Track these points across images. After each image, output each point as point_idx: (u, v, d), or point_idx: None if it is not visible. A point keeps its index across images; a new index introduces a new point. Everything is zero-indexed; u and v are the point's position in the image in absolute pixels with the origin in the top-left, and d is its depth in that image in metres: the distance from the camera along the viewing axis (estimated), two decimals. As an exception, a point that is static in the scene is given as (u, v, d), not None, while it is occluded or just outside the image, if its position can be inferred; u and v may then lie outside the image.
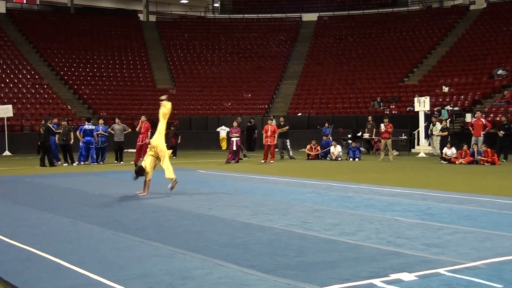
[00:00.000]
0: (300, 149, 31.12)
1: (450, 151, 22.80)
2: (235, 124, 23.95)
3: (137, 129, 23.38)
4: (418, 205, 10.61)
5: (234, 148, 23.19)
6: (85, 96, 40.44)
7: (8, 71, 40.10)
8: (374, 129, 28.47)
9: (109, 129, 23.78)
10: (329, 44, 48.71)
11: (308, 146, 25.99)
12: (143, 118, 23.88)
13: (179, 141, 27.96)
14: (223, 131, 35.06)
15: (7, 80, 39.05)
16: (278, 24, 52.05)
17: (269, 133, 23.79)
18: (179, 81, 45.02)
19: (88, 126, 23.14)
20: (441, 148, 24.12)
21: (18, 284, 5.53)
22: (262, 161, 23.71)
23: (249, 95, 43.07)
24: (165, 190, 13.21)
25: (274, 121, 24.65)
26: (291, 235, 7.80)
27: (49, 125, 21.93)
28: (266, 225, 8.58)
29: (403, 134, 29.24)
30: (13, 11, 48.04)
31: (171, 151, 14.22)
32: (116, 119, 24.05)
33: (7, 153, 30.46)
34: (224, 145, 35.20)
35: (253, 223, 8.74)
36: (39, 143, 22.39)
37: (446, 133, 25.53)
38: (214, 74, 46.43)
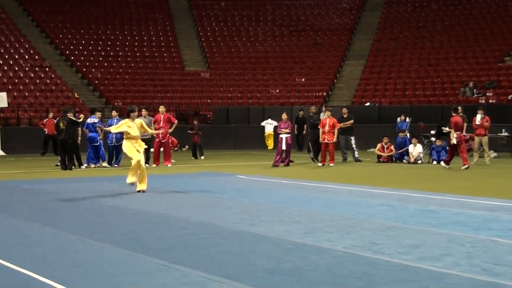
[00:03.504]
0: (369, 149, 30.89)
1: None
2: (284, 117, 23.97)
3: (152, 121, 23.61)
4: (523, 223, 10.41)
5: (284, 147, 23.20)
6: (96, 82, 41.16)
7: (2, 50, 41.09)
8: (465, 124, 28.02)
9: None
10: (406, 13, 48.26)
11: (379, 145, 25.79)
12: (161, 108, 24.12)
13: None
14: (269, 125, 35.15)
15: (1, 62, 40.05)
16: (340, -12, 51.91)
17: (326, 128, 23.69)
18: (214, 62, 45.35)
19: (90, 119, 23.48)
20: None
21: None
22: (320, 164, 23.67)
23: (303, 80, 43.06)
24: (194, 201, 13.30)
25: (327, 112, 24.48)
26: (356, 259, 7.75)
27: (72, 117, 22.39)
28: (324, 246, 8.54)
29: (503, 130, 28.71)
30: (8, -25, 49.39)
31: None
32: (143, 110, 24.30)
33: (0, 152, 31.19)
34: (270, 143, 35.27)
35: (308, 244, 8.71)
36: (59, 140, 22.66)
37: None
38: (258, 53, 46.59)
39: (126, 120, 15.33)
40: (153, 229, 10.05)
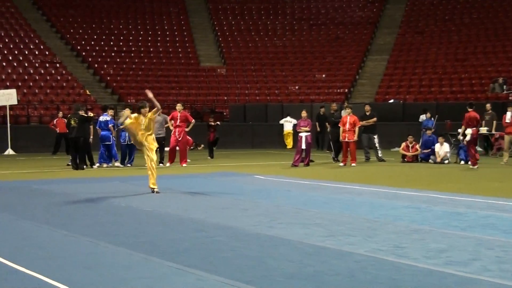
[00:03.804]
0: (393, 148, 30.79)
1: None
2: (304, 114, 23.95)
3: (168, 119, 23.62)
4: (556, 226, 10.33)
5: (304, 146, 23.19)
6: (108, 78, 41.31)
7: (11, 46, 41.31)
8: (495, 122, 27.88)
9: None
10: (433, 5, 48.04)
11: (403, 144, 25.70)
12: (179, 106, 24.22)
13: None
14: (288, 123, 35.12)
15: (10, 58, 40.25)
16: (363, -20, 51.72)
17: (347, 126, 23.65)
18: (230, 58, 45.39)
19: (103, 117, 23.56)
20: None
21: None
22: (341, 163, 23.63)
23: (324, 76, 42.99)
24: (210, 203, 13.33)
25: (348, 109, 24.45)
26: (380, 264, 7.73)
27: (83, 114, 22.45)
28: (346, 249, 8.53)
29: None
30: (18, -32, 49.65)
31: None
32: None
33: (9, 151, 31.41)
34: (289, 142, 35.24)
35: (329, 247, 8.71)
36: (70, 139, 22.74)
37: None
38: (276, 48, 46.57)
39: (136, 114, 15.36)
40: (168, 232, 10.08)
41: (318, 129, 31.33)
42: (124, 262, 7.96)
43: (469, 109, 22.58)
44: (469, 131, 22.18)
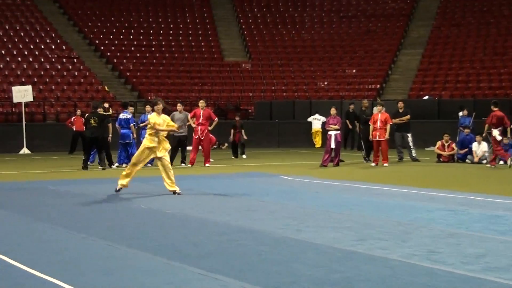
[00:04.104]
0: (427, 148, 30.66)
1: None
2: (333, 111, 23.90)
3: (189, 118, 23.64)
4: None
5: (333, 145, 23.16)
6: (127, 74, 41.54)
7: (27, 40, 41.71)
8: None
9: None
10: (470, -4, 47.67)
11: (439, 143, 25.57)
12: (201, 102, 24.24)
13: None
14: (317, 121, 35.09)
15: (26, 52, 40.62)
16: (396, -31, 51.53)
17: (378, 124, 23.57)
18: (256, 52, 45.44)
19: (123, 114, 23.63)
20: None
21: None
22: (373, 164, 23.57)
23: (354, 71, 42.92)
24: (235, 205, 13.35)
25: (379, 106, 24.40)
26: (414, 269, 7.70)
27: (103, 112, 22.56)
28: (378, 254, 8.51)
29: None
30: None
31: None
32: (179, 105, 24.40)
33: (25, 150, 31.69)
34: (318, 140, 35.22)
35: (359, 252, 8.69)
36: (88, 138, 22.72)
37: None
38: (304, 42, 46.55)
39: (153, 114, 15.45)
40: (190, 235, 10.11)
41: (350, 126, 31.26)
42: (145, 267, 7.99)
43: (494, 108, 22.50)
44: (496, 132, 22.15)
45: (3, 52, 39.72)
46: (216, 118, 24.64)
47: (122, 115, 23.60)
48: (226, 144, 32.51)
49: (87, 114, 23.45)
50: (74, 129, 30.20)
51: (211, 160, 24.60)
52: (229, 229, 10.59)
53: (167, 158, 15.37)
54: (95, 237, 9.94)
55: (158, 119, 15.24)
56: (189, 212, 12.54)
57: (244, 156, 27.41)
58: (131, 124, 23.35)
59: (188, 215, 12.13)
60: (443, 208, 12.78)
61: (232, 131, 27.43)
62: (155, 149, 15.18)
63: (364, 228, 10.51)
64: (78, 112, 30.88)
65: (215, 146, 29.63)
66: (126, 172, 15.34)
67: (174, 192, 15.03)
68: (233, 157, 27.37)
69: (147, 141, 15.21)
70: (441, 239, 9.60)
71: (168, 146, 15.57)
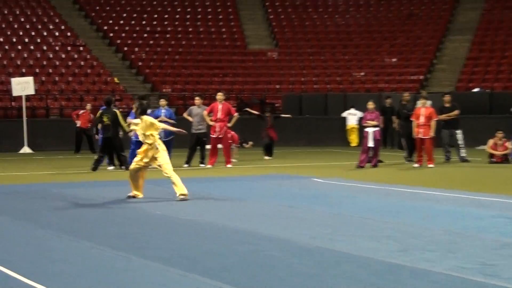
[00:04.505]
0: (478, 147, 30.46)
1: None
2: (371, 106, 23.81)
3: (205, 113, 23.57)
4: None
5: (371, 143, 23.08)
6: (139, 64, 41.63)
7: (28, 26, 41.93)
8: None
9: (185, 114, 24.31)
10: (526, -25, 47.33)
11: (491, 142, 25.43)
12: (219, 95, 24.08)
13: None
14: (352, 116, 35.02)
15: (26, 40, 40.85)
16: None
17: (421, 120, 23.47)
18: (283, 39, 45.41)
19: None
20: None
21: None
22: (416, 164, 23.48)
23: (394, 60, 42.75)
24: (260, 211, 13.35)
25: (422, 100, 24.29)
26: (464, 284, 7.66)
27: (117, 110, 22.61)
28: (422, 267, 8.48)
29: None
30: None
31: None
32: (197, 98, 24.42)
33: (26, 149, 31.87)
34: (354, 138, 35.13)
35: (402, 264, 8.66)
36: (104, 138, 22.71)
37: None
38: (338, 27, 46.45)
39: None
40: (210, 245, 10.12)
41: (382, 125, 31.08)
42: (159, 280, 8.01)
43: None
44: None
45: (1, 39, 39.99)
46: (236, 113, 24.57)
47: None
48: (250, 143, 32.50)
49: (100, 112, 22.97)
50: (77, 125, 30.30)
51: (234, 160, 24.60)
52: (254, 238, 10.59)
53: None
54: (103, 246, 9.98)
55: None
56: (208, 218, 12.55)
57: (268, 158, 27.16)
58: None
59: (207, 222, 12.15)
60: (497, 215, 12.70)
61: (263, 128, 27.22)
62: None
63: (407, 238, 10.49)
64: (88, 106, 30.83)
65: (238, 145, 29.64)
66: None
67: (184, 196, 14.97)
68: (266, 157, 27.05)
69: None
70: (494, 250, 9.55)
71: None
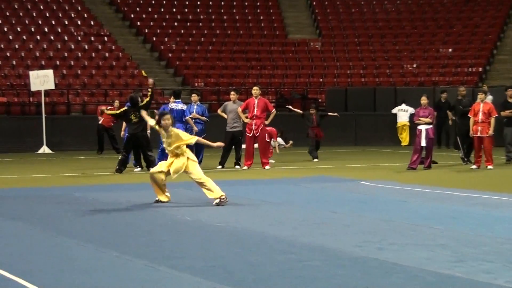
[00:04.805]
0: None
1: None
2: (424, 101, 23.68)
3: (239, 110, 23.53)
4: None
5: (424, 143, 22.97)
6: (169, 55, 41.74)
7: (48, 15, 42.21)
8: None
9: (219, 111, 24.36)
10: None
11: (561, 142, 25.23)
12: (255, 90, 24.01)
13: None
14: (403, 113, 34.87)
15: (46, 29, 41.11)
16: None
17: (480, 116, 23.30)
18: (327, 28, 45.36)
19: (176, 105, 23.69)
20: None
21: None
22: (474, 166, 23.31)
23: (450, 50, 42.52)
24: (301, 216, 13.34)
25: (488, 95, 24.17)
26: (527, 299, 7.61)
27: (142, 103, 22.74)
28: (481, 279, 8.44)
29: None
30: None
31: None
32: (232, 93, 24.43)
33: (45, 149, 32.02)
34: (405, 137, 34.99)
35: (457, 276, 8.62)
36: (129, 135, 22.76)
37: None
38: (386, 14, 46.32)
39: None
40: (246, 254, 10.14)
41: (434, 121, 30.97)
42: (191, 292, 8.04)
43: None
44: None
45: (18, 29, 40.34)
46: (274, 110, 24.53)
47: (174, 105, 23.56)
48: (290, 142, 32.49)
49: (126, 108, 22.93)
50: (99, 122, 30.30)
51: (272, 161, 24.59)
52: (294, 246, 10.59)
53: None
54: (130, 255, 10.03)
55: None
56: (244, 225, 12.58)
57: (316, 160, 26.93)
58: (187, 117, 23.33)
59: (243, 229, 12.18)
60: None
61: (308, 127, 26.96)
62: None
63: (463, 247, 10.44)
64: (116, 103, 30.65)
65: (281, 145, 29.57)
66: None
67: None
68: (314, 160, 26.73)
69: None
70: (561, 261, 9.48)
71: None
